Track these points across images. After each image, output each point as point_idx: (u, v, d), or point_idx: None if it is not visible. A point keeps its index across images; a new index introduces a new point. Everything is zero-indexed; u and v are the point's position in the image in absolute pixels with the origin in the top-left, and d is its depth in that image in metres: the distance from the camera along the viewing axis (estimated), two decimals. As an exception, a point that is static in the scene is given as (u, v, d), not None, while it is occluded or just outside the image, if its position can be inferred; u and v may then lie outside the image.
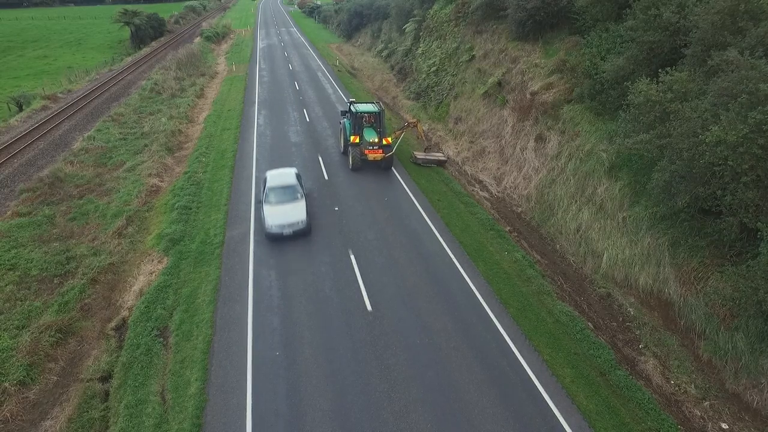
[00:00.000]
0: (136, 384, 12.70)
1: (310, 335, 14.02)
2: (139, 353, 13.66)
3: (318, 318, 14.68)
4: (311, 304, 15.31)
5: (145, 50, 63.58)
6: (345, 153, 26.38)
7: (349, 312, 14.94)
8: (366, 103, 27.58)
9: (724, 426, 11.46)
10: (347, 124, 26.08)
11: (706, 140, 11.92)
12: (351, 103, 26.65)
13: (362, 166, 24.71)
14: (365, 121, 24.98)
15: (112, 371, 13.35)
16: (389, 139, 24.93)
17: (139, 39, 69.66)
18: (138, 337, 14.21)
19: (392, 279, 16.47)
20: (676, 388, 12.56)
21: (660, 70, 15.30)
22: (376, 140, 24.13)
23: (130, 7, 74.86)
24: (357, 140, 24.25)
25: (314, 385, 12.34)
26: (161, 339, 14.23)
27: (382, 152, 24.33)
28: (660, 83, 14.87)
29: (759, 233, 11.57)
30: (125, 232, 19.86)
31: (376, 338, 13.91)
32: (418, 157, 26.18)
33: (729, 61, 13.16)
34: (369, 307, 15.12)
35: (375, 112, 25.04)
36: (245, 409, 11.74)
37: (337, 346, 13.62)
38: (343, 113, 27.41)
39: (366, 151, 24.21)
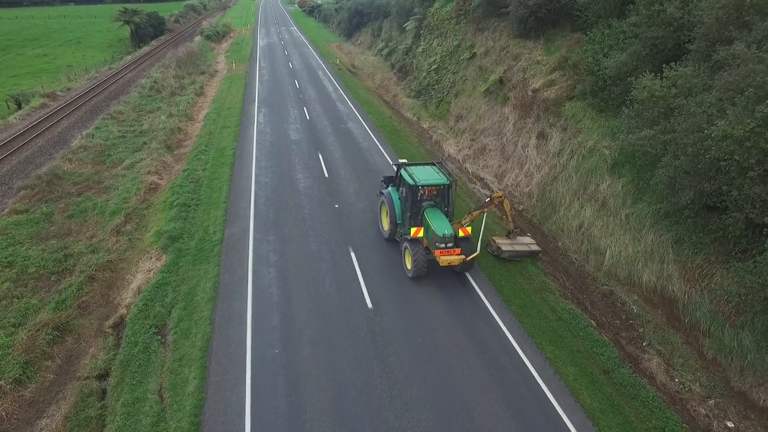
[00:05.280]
0: (134, 382, 12.52)
1: (309, 333, 13.85)
2: (137, 351, 13.49)
3: (318, 315, 14.53)
4: (311, 301, 15.15)
5: (145, 49, 63.44)
6: (394, 238, 17.77)
7: (349, 309, 14.78)
8: (422, 164, 17.40)
9: (730, 424, 11.28)
10: (395, 197, 17.31)
11: (712, 135, 11.75)
12: (401, 165, 17.13)
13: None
14: (424, 195, 16.27)
15: (110, 369, 13.16)
16: (467, 227, 16.08)
17: (139, 38, 69.53)
18: (136, 335, 14.04)
19: (393, 276, 16.30)
20: (681, 386, 12.39)
21: (664, 66, 15.13)
22: (451, 233, 15.24)
23: (130, 6, 74.64)
24: (420, 233, 15.83)
25: (314, 383, 12.18)
26: (159, 337, 14.07)
27: (461, 252, 15.55)
28: (664, 79, 14.71)
29: (765, 229, 11.40)
30: (124, 230, 19.71)
31: (377, 336, 13.76)
32: (503, 248, 17.42)
33: (735, 55, 12.99)
34: (369, 305, 14.96)
35: (443, 185, 16.06)
36: (244, 407, 11.57)
37: (337, 344, 13.46)
38: (388, 181, 18.31)
39: (436, 253, 15.30)
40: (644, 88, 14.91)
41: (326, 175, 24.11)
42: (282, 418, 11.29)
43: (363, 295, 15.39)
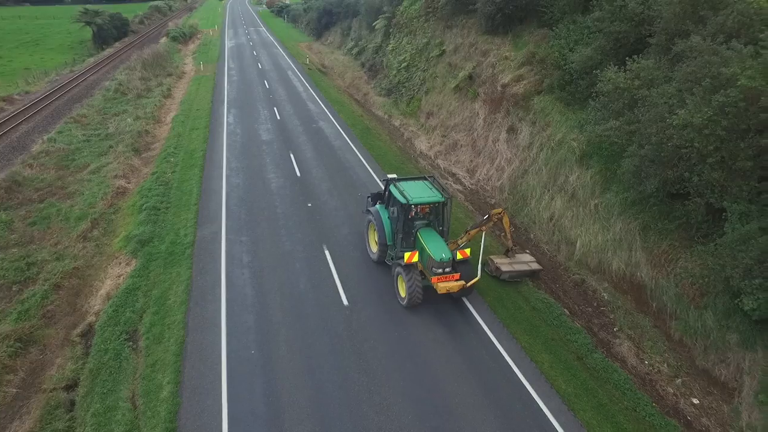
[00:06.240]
0: (105, 391, 12.15)
1: (286, 332, 13.71)
2: (108, 359, 13.10)
3: (294, 315, 14.40)
4: (286, 301, 15.00)
5: (109, 51, 61.57)
6: (384, 261, 16.26)
7: (325, 307, 14.69)
8: (413, 179, 16.01)
9: (695, 401, 11.74)
10: (384, 216, 15.88)
11: (674, 124, 12.15)
12: (390, 181, 15.71)
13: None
14: (418, 214, 14.86)
15: (78, 379, 12.73)
16: (466, 249, 14.64)
17: (102, 39, 67.35)
18: (106, 342, 13.63)
19: (368, 273, 16.27)
20: (650, 368, 12.78)
21: (627, 59, 15.56)
22: (449, 257, 13.87)
23: (90, 6, 72.22)
24: (415, 258, 14.28)
25: (292, 383, 12.06)
26: (131, 343, 13.70)
27: (460, 277, 14.18)
28: (627, 71, 15.13)
29: (724, 213, 11.87)
30: (90, 236, 19.11)
31: (354, 332, 13.73)
32: (502, 268, 16.04)
33: (692, 47, 13.44)
34: (345, 302, 14.91)
35: (439, 202, 14.72)
36: (221, 410, 11.37)
37: (314, 342, 13.36)
38: (376, 198, 16.93)
39: (434, 279, 13.97)
40: (609, 80, 15.31)
41: (298, 174, 23.91)
42: (260, 419, 11.15)
43: (338, 292, 15.32)
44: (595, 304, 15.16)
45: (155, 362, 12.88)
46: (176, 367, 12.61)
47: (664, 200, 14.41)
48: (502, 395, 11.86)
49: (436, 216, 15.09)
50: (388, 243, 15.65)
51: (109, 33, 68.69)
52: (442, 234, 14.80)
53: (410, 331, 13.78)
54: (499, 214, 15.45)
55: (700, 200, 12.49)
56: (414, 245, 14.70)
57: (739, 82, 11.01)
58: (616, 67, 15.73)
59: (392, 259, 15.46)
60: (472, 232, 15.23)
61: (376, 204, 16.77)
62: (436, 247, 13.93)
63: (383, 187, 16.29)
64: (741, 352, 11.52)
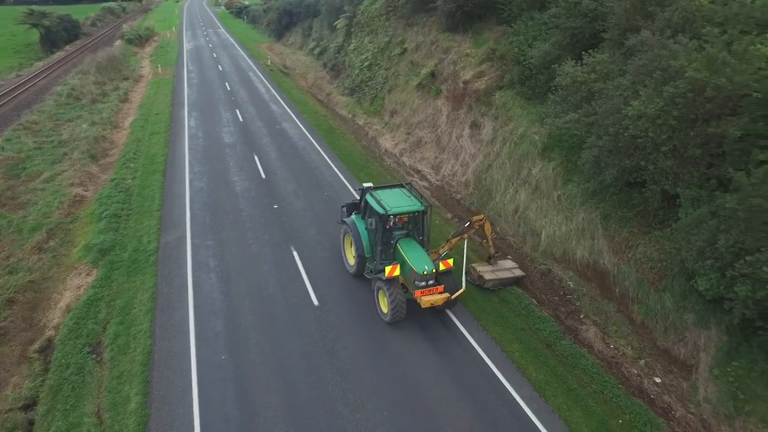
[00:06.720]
0: (67, 407, 11.68)
1: (256, 335, 13.52)
2: (69, 373, 12.60)
3: (264, 317, 14.21)
4: (256, 303, 14.78)
5: (59, 54, 59.02)
6: (362, 273, 15.52)
7: (296, 308, 14.57)
8: (390, 187, 15.50)
9: (657, 380, 12.24)
10: (360, 227, 15.18)
11: (629, 115, 12.61)
12: (366, 190, 14.99)
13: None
14: (395, 224, 14.35)
15: (38, 397, 12.19)
16: (448, 259, 14.05)
17: (51, 42, 64.37)
18: (67, 357, 13.11)
19: (337, 272, 16.21)
20: (616, 351, 13.23)
21: (583, 54, 16.05)
22: (432, 269, 13.33)
23: (36, 7, 68.82)
24: (397, 272, 13.54)
25: (264, 385, 11.91)
26: (94, 356, 13.22)
27: (444, 289, 13.67)
28: (584, 65, 15.61)
29: (678, 199, 12.42)
30: (46, 246, 18.32)
31: (325, 332, 13.66)
32: (485, 276, 15.48)
33: (643, 42, 13.97)
34: (315, 302, 14.82)
35: (418, 211, 14.18)
36: (192, 418, 11.13)
37: (285, 344, 13.22)
38: (351, 208, 16.28)
39: (417, 293, 13.43)
40: (567, 74, 15.77)
41: (263, 176, 23.58)
42: (233, 425, 10.97)
43: (308, 292, 15.22)
44: (561, 293, 15.57)
45: (121, 374, 12.48)
46: (144, 377, 12.25)
47: (622, 189, 14.93)
48: (475, 387, 12.04)
49: (415, 225, 14.59)
50: (367, 255, 14.95)
51: (58, 35, 65.82)
52: (422, 244, 14.33)
53: (382, 329, 13.81)
54: (481, 220, 14.92)
55: (656, 187, 13.01)
56: (394, 257, 14.18)
57: (686, 74, 11.51)
58: (573, 61, 16.20)
59: (372, 272, 14.70)
60: (454, 240, 14.81)
61: (351, 214, 15.98)
62: (418, 259, 13.41)
63: (358, 197, 15.61)
64: (697, 331, 12.07)
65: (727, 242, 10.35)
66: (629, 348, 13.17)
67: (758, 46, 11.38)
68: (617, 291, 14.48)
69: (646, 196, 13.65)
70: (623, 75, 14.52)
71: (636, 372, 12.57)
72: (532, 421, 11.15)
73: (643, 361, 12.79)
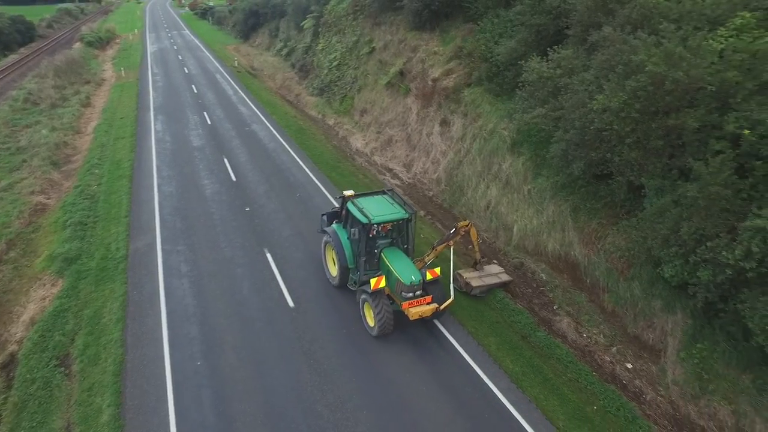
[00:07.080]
0: (34, 424, 11.27)
1: (232, 339, 13.32)
2: (35, 389, 12.15)
3: (239, 321, 14.00)
4: (230, 307, 14.56)
5: (13, 57, 56.66)
6: (345, 285, 14.96)
7: (271, 310, 14.41)
8: (371, 194, 14.98)
9: (629, 366, 12.62)
10: (342, 236, 14.56)
11: (594, 108, 12.95)
12: (347, 198, 14.45)
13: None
14: (378, 233, 13.85)
15: (0, 416, 11.72)
16: (435, 268, 13.55)
17: (3, 45, 61.70)
18: (32, 371, 12.63)
19: (312, 273, 16.11)
20: (589, 340, 13.57)
21: (549, 50, 16.39)
22: (420, 279, 12.88)
23: (-13, 9, 66.06)
24: (383, 283, 12.98)
25: (242, 390, 11.74)
26: (62, 368, 12.78)
27: (432, 299, 13.21)
28: (550, 61, 15.95)
29: (643, 189, 12.84)
30: (6, 258, 17.60)
31: (301, 333, 13.56)
32: (472, 283, 15.18)
33: (605, 37, 14.35)
34: (291, 303, 14.69)
35: (402, 220, 13.72)
36: (168, 427, 10.87)
37: (262, 347, 13.07)
38: (332, 217, 15.71)
39: (404, 305, 12.95)
40: (533, 70, 16.07)
41: (234, 179, 23.23)
42: (211, 430, 10.76)
43: (283, 294, 15.08)
44: (534, 285, 15.86)
45: (92, 385, 12.10)
46: (116, 387, 11.91)
47: (590, 181, 15.33)
48: (454, 381, 12.15)
49: (399, 233, 14.18)
50: (350, 266, 14.34)
51: (11, 38, 63.16)
52: (407, 252, 13.92)
53: (358, 328, 13.77)
54: (466, 226, 14.40)
55: (622, 179, 13.40)
56: (378, 267, 13.69)
57: (647, 68, 11.89)
58: (539, 57, 16.53)
59: (356, 284, 14.16)
60: (439, 248, 14.30)
61: (332, 223, 15.43)
62: (404, 269, 12.91)
63: (339, 205, 15.06)
64: (664, 317, 12.51)
65: (689, 229, 10.76)
66: (601, 336, 13.54)
67: (710, 41, 11.85)
68: (588, 281, 14.85)
69: (613, 187, 14.05)
70: (587, 70, 14.88)
71: (608, 359, 12.93)
72: (510, 413, 11.33)
73: (614, 348, 13.16)
